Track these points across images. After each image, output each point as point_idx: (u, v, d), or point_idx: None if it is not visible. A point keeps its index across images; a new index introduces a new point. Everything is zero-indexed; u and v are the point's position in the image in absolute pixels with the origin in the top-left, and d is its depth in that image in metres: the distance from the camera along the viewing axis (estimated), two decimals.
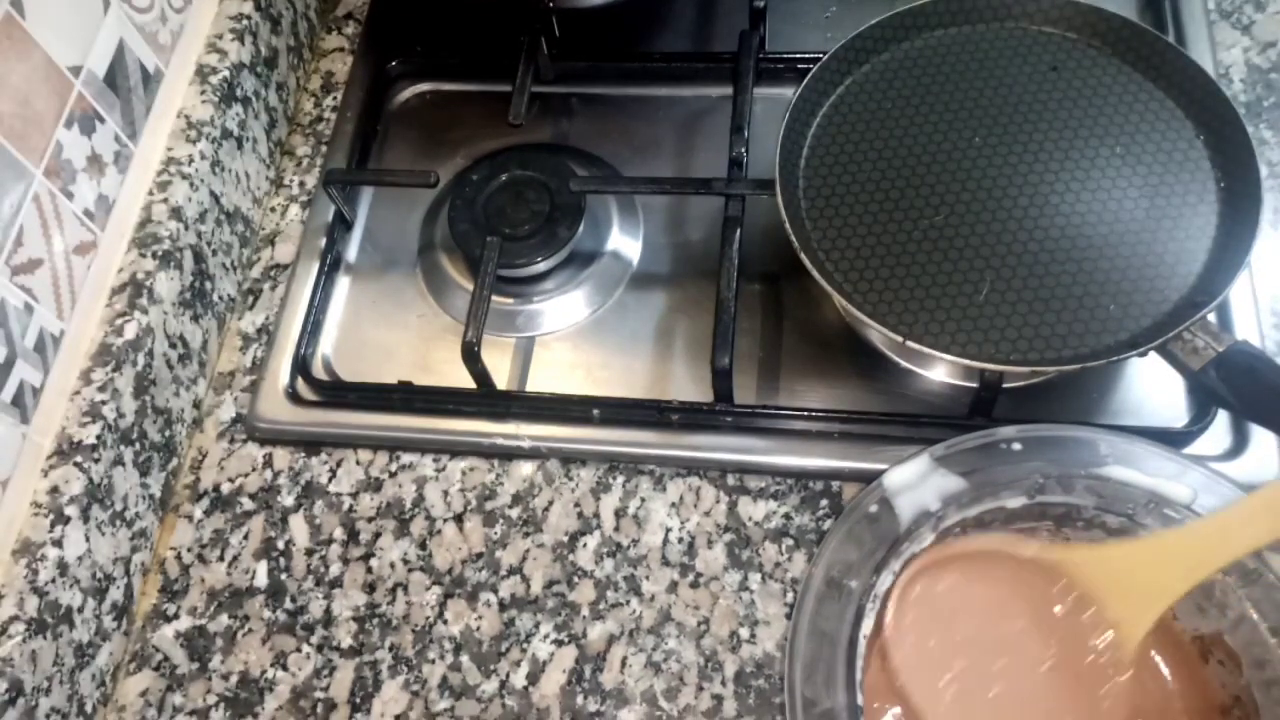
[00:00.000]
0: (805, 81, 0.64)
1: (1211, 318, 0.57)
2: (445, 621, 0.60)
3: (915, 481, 0.54)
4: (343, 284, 0.72)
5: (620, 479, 0.63)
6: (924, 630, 0.52)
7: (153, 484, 0.64)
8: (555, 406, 0.64)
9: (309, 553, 0.63)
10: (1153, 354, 0.54)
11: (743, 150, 0.68)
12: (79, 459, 0.58)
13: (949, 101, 0.64)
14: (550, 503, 0.63)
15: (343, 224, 0.74)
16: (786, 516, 0.60)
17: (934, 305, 0.58)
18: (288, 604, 0.62)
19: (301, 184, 0.77)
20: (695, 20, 0.79)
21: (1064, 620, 0.52)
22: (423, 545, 0.63)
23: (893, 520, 0.53)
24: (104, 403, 0.59)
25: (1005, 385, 0.59)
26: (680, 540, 0.61)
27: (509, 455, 0.64)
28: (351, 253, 0.74)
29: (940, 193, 0.62)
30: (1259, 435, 0.58)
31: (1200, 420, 0.59)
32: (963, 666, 0.52)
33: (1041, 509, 0.54)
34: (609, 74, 0.78)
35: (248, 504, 0.65)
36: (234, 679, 0.60)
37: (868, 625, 0.51)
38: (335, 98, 0.80)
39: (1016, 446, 0.54)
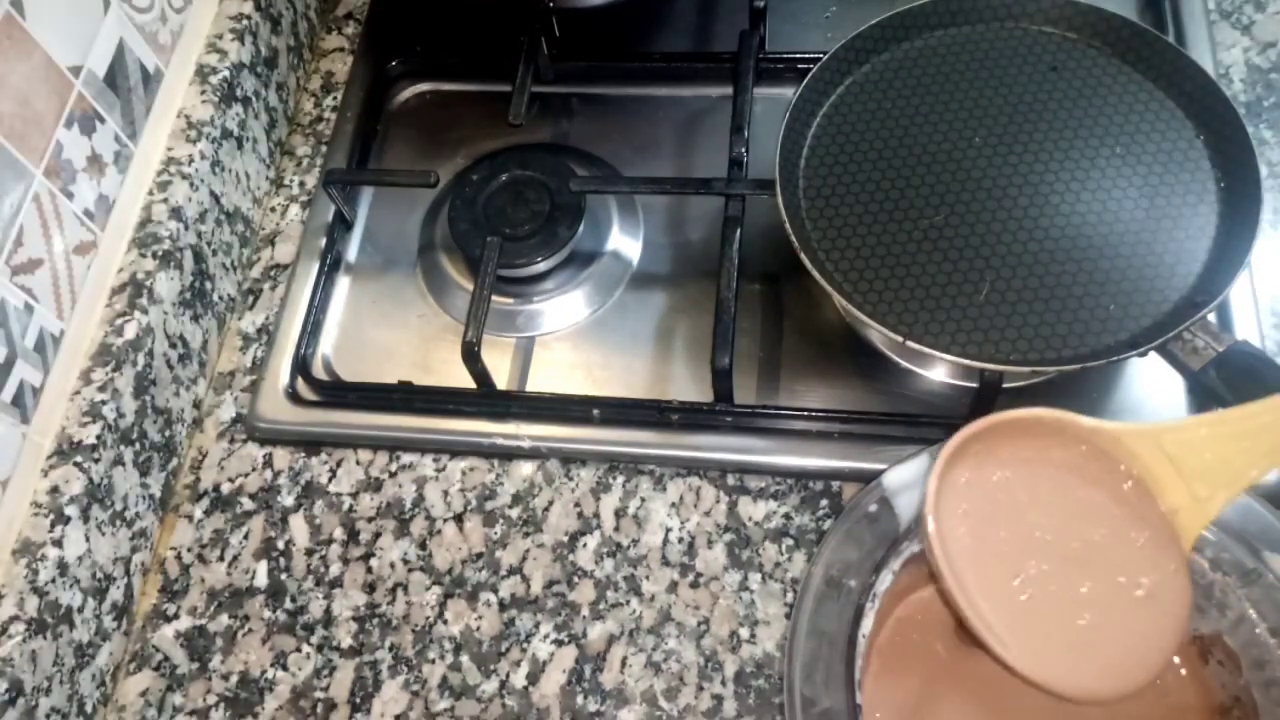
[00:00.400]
0: (805, 81, 0.64)
1: (1211, 318, 0.57)
2: (445, 621, 0.60)
3: (914, 481, 0.53)
4: (343, 284, 0.72)
5: (620, 479, 0.63)
6: (980, 522, 0.47)
7: (153, 484, 0.64)
8: (555, 406, 0.64)
9: (309, 553, 0.63)
10: (1153, 354, 0.54)
11: (743, 150, 0.68)
12: (79, 459, 0.58)
13: (949, 101, 0.64)
14: (550, 503, 0.63)
15: (343, 224, 0.74)
16: (786, 516, 0.61)
17: (934, 305, 0.58)
18: (288, 604, 0.62)
19: (301, 184, 0.77)
20: (695, 20, 0.79)
21: (1125, 507, 0.46)
22: (423, 545, 0.63)
23: (892, 520, 0.53)
24: (104, 403, 0.59)
25: (1005, 385, 0.59)
26: (680, 540, 0.61)
27: (509, 455, 0.64)
28: (351, 253, 0.74)
29: (940, 193, 0.62)
30: None
31: None
32: (1033, 567, 0.46)
33: None
34: (609, 74, 0.78)
35: (248, 504, 0.65)
36: (234, 679, 0.60)
37: (867, 625, 0.51)
38: (335, 98, 0.80)
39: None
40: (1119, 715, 0.51)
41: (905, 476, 0.54)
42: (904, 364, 0.64)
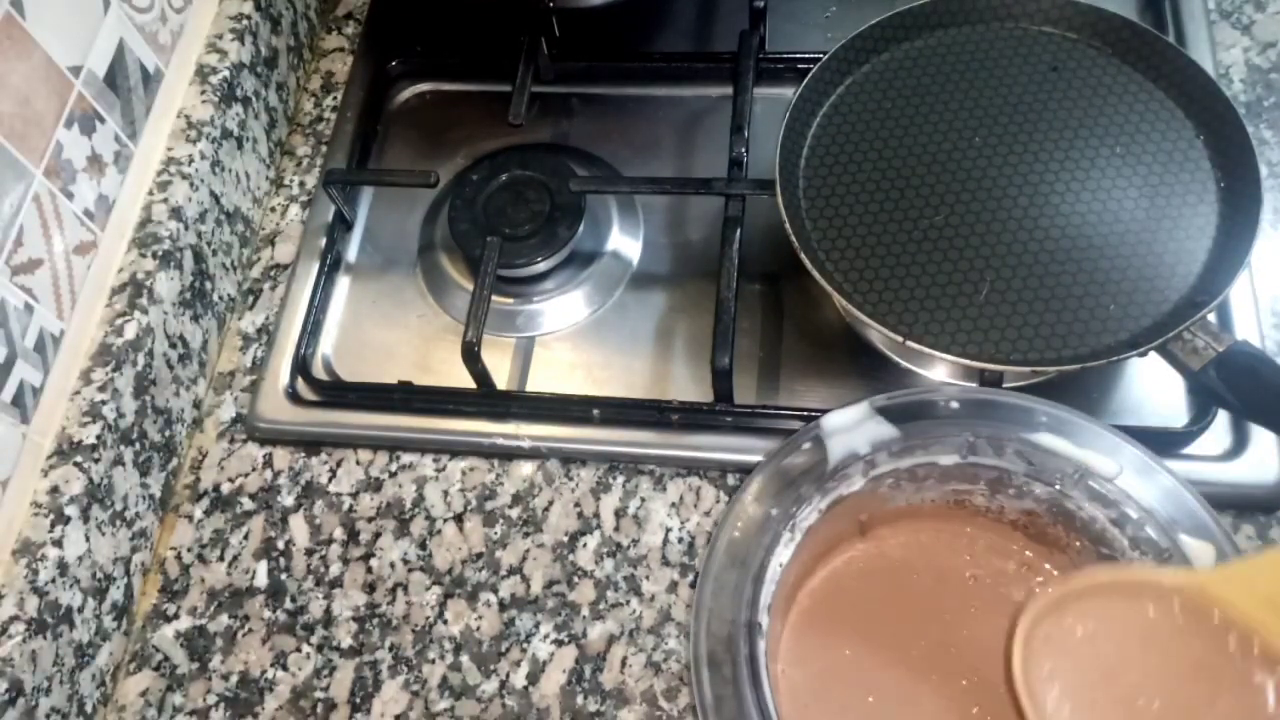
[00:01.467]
0: (805, 81, 0.64)
1: (1211, 318, 0.57)
2: (445, 621, 0.60)
3: (851, 425, 0.54)
4: (343, 284, 0.72)
5: (620, 479, 0.63)
6: (1071, 677, 0.44)
7: (153, 484, 0.64)
8: (555, 406, 0.64)
9: (309, 553, 0.63)
10: (1153, 354, 0.54)
11: (743, 150, 0.68)
12: (79, 459, 0.58)
13: (949, 101, 0.64)
14: (550, 503, 0.63)
15: (343, 224, 0.74)
16: None
17: (934, 305, 0.58)
18: (288, 604, 0.62)
19: (301, 184, 0.77)
20: (695, 20, 0.79)
21: (1228, 663, 0.42)
22: (423, 545, 0.63)
23: (823, 458, 0.54)
24: (104, 403, 0.59)
25: (1005, 385, 0.59)
26: (680, 540, 0.61)
27: (509, 455, 0.64)
28: (351, 253, 0.74)
29: (940, 193, 0.62)
30: (1259, 435, 0.58)
31: (1200, 420, 0.59)
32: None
33: (974, 470, 0.54)
34: (609, 74, 0.78)
35: (248, 504, 0.65)
36: (234, 679, 0.60)
37: (784, 554, 0.52)
38: (335, 98, 0.80)
39: (955, 405, 0.54)
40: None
41: (844, 420, 0.54)
42: (904, 364, 0.64)
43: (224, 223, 0.71)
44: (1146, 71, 0.63)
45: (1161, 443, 0.56)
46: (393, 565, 0.62)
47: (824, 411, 0.55)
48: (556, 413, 0.64)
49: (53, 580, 0.55)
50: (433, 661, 0.59)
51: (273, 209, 0.76)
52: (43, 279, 0.57)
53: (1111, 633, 0.45)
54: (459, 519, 0.63)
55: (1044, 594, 0.47)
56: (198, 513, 0.65)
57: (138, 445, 0.62)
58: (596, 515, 0.62)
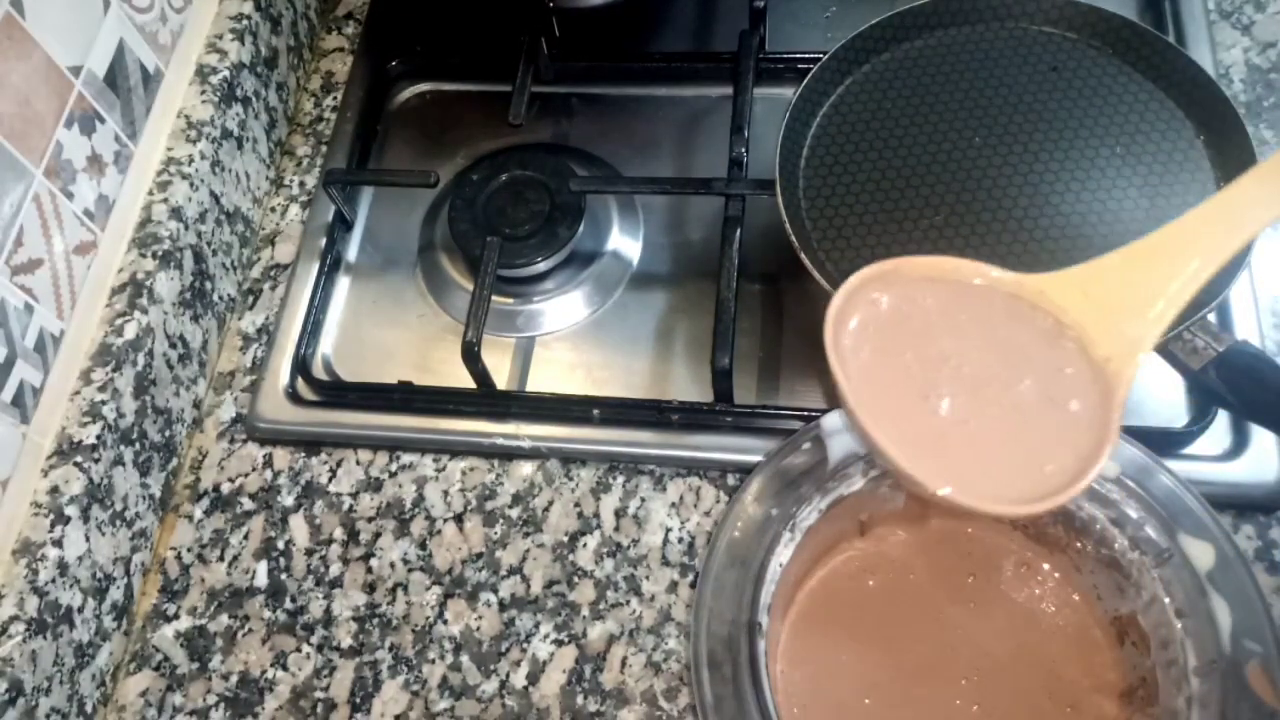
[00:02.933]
0: (805, 81, 0.64)
1: (1211, 318, 0.57)
2: (445, 621, 0.60)
3: (851, 425, 0.54)
4: (343, 284, 0.72)
5: (620, 479, 0.63)
6: (884, 344, 0.43)
7: (153, 484, 0.64)
8: (555, 406, 0.64)
9: (309, 553, 0.63)
10: (1153, 354, 0.54)
11: (743, 150, 0.68)
12: (79, 459, 0.58)
13: (949, 101, 0.64)
14: (550, 503, 0.63)
15: (343, 224, 0.74)
16: None
17: None
18: (288, 604, 0.62)
19: (301, 184, 0.77)
20: (695, 20, 0.79)
21: (1041, 352, 0.43)
22: (423, 545, 0.63)
23: (823, 458, 0.54)
24: (104, 403, 0.59)
25: None
26: (680, 540, 0.61)
27: (509, 455, 0.64)
28: (351, 253, 0.74)
29: (940, 193, 0.62)
30: (1259, 435, 0.58)
31: (1200, 420, 0.59)
32: (946, 388, 0.43)
33: None
34: (609, 74, 0.78)
35: (248, 504, 0.65)
36: (234, 679, 0.60)
37: (785, 554, 0.52)
38: (335, 98, 0.80)
39: None
40: (1038, 696, 0.52)
41: (844, 420, 0.54)
42: None
43: (224, 223, 0.71)
44: (1146, 71, 0.63)
45: (1161, 443, 0.56)
46: (393, 565, 0.62)
47: (824, 411, 0.55)
48: (556, 413, 0.64)
49: (53, 580, 0.55)
50: (433, 661, 0.59)
51: (273, 209, 0.76)
52: (43, 279, 0.57)
53: (932, 307, 0.45)
54: (459, 519, 0.63)
55: (867, 269, 0.45)
56: (198, 513, 0.65)
57: (138, 445, 0.62)
58: (596, 515, 0.62)
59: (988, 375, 0.43)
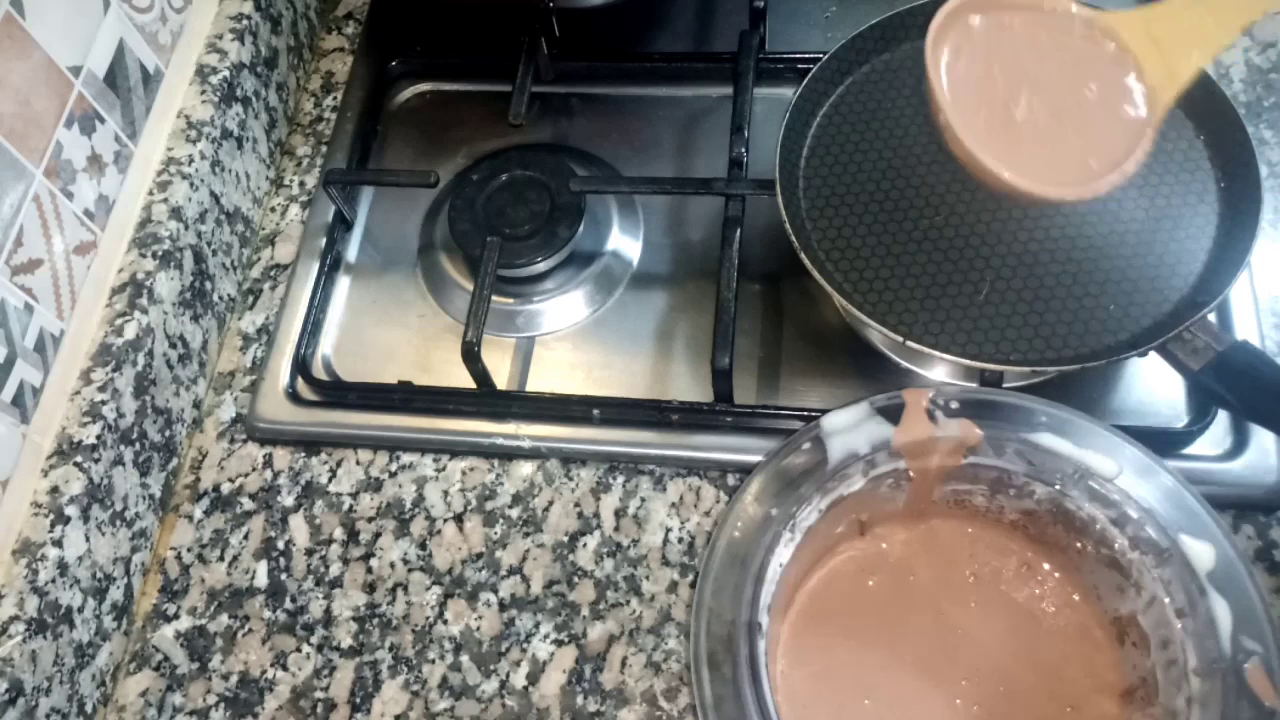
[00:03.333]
0: (805, 81, 0.64)
1: (1211, 318, 0.57)
2: (445, 621, 0.60)
3: (851, 425, 0.54)
4: (343, 284, 0.72)
5: (620, 479, 0.63)
6: (971, 60, 0.53)
7: (153, 484, 0.64)
8: (555, 406, 0.64)
9: (309, 553, 0.63)
10: (1153, 354, 0.54)
11: (743, 150, 0.68)
12: (79, 459, 0.58)
13: None
14: (550, 503, 0.63)
15: (343, 224, 0.74)
16: None
17: (934, 305, 0.58)
18: (288, 604, 0.62)
19: (301, 184, 0.77)
20: (695, 20, 0.79)
21: (1107, 69, 0.52)
22: (423, 545, 0.63)
23: (823, 458, 0.54)
24: (104, 403, 0.59)
25: (1005, 385, 0.59)
26: (680, 540, 0.61)
27: (509, 455, 0.64)
28: (351, 253, 0.74)
29: (940, 193, 0.62)
30: (1259, 435, 0.58)
31: (1200, 420, 0.59)
32: (1024, 96, 0.52)
33: (974, 470, 0.54)
34: (609, 74, 0.78)
35: (248, 504, 0.65)
36: (234, 679, 0.60)
37: (784, 554, 0.52)
38: (335, 98, 0.80)
39: (955, 405, 0.54)
40: (1038, 696, 0.53)
41: (843, 420, 0.55)
42: (904, 364, 0.64)
43: (224, 223, 0.71)
44: None
45: (1161, 443, 0.56)
46: (393, 565, 0.62)
47: (824, 411, 0.55)
48: (556, 413, 0.64)
49: (53, 580, 0.55)
50: (433, 661, 0.59)
51: (273, 209, 0.76)
52: (43, 279, 0.57)
53: (1018, 28, 0.53)
54: (459, 519, 0.63)
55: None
56: (198, 513, 0.65)
57: (138, 445, 0.62)
58: (596, 515, 0.62)
59: (1059, 85, 0.52)
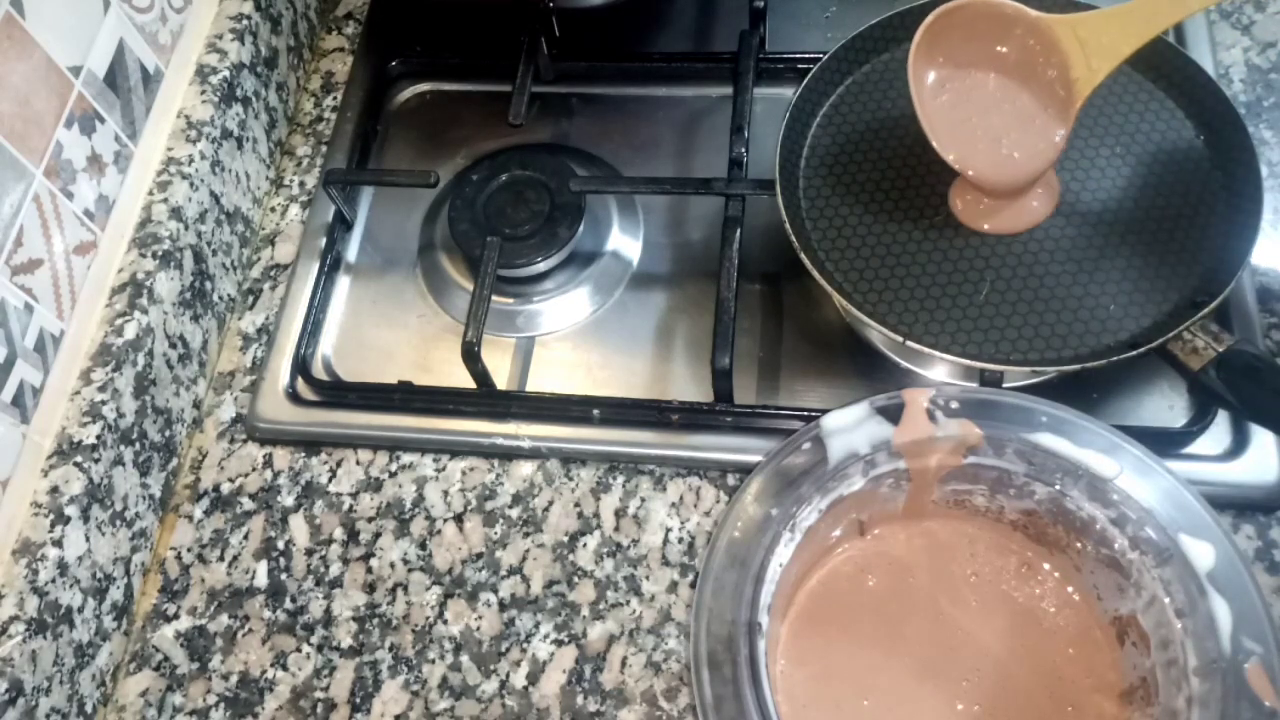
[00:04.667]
0: (805, 81, 0.64)
1: (1211, 318, 0.57)
2: (445, 621, 0.60)
3: (851, 425, 0.54)
4: (343, 284, 0.72)
5: (620, 479, 0.63)
6: (950, 91, 0.60)
7: (153, 484, 0.64)
8: (555, 406, 0.64)
9: (309, 553, 0.63)
10: (1153, 354, 0.54)
11: (743, 150, 0.68)
12: (79, 459, 0.58)
13: None
14: (550, 503, 0.63)
15: (343, 224, 0.74)
16: None
17: (934, 305, 0.58)
18: (288, 604, 0.62)
19: (301, 184, 0.77)
20: (695, 20, 0.79)
21: (1040, 76, 0.59)
22: (423, 545, 0.63)
23: (823, 458, 0.54)
24: (104, 403, 0.59)
25: (1005, 385, 0.59)
26: (680, 540, 0.61)
27: (509, 455, 0.64)
28: (351, 253, 0.74)
29: (940, 193, 0.62)
30: (1259, 435, 0.58)
31: (1200, 420, 0.59)
32: (977, 113, 0.60)
33: (974, 470, 0.54)
34: (609, 74, 0.78)
35: (248, 504, 0.65)
36: (234, 679, 0.60)
37: (784, 554, 0.52)
38: (335, 98, 0.80)
39: (955, 405, 0.54)
40: (1038, 696, 0.53)
41: (843, 420, 0.55)
42: (904, 364, 0.64)
43: (224, 223, 0.71)
44: (1146, 72, 0.63)
45: (1161, 443, 0.56)
46: (393, 565, 0.62)
47: (824, 411, 0.55)
48: (556, 413, 0.64)
49: (53, 580, 0.55)
50: (433, 661, 0.59)
51: (273, 209, 0.76)
52: (43, 279, 0.57)
53: (974, 45, 0.60)
54: (459, 519, 0.63)
55: (932, 14, 0.58)
56: (198, 513, 0.65)
57: (138, 445, 0.62)
58: (596, 515, 0.62)
59: (1003, 92, 0.60)
